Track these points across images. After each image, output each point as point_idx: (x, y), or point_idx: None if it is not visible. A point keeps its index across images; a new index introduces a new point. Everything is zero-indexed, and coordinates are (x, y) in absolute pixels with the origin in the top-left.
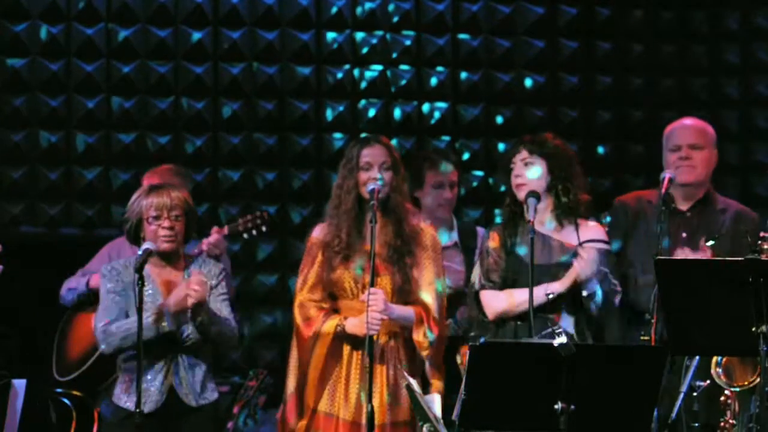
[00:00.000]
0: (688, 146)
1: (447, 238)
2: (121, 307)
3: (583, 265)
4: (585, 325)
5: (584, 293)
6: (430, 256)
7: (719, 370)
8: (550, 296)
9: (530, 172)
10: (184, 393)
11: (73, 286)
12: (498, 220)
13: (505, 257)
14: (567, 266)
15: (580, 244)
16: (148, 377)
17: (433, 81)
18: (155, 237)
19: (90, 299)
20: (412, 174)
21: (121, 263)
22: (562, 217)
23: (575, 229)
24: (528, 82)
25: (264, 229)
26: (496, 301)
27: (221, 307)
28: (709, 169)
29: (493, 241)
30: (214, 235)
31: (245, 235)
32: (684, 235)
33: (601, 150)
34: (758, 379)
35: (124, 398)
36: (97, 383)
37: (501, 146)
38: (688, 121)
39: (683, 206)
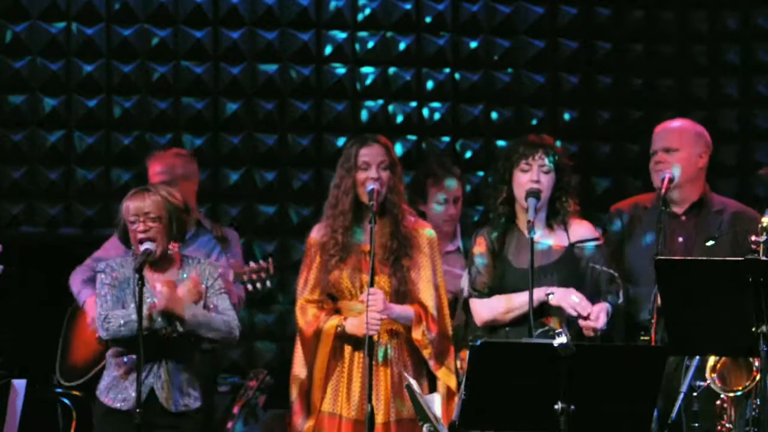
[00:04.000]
0: (662, 150)
1: (449, 243)
2: (119, 298)
3: (599, 324)
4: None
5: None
6: (427, 255)
7: (714, 375)
8: (550, 296)
9: (546, 180)
10: (164, 397)
11: (77, 289)
12: (492, 223)
13: (492, 262)
14: (555, 267)
15: (571, 244)
16: (131, 376)
17: (433, 81)
18: (134, 240)
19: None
20: (415, 188)
21: (118, 261)
22: (554, 221)
23: (565, 230)
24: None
25: (267, 284)
26: (484, 310)
27: (218, 302)
28: (690, 170)
29: (479, 247)
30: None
31: (249, 286)
32: (680, 239)
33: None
34: (752, 384)
35: (105, 394)
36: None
37: (501, 142)
38: (669, 123)
39: (678, 210)
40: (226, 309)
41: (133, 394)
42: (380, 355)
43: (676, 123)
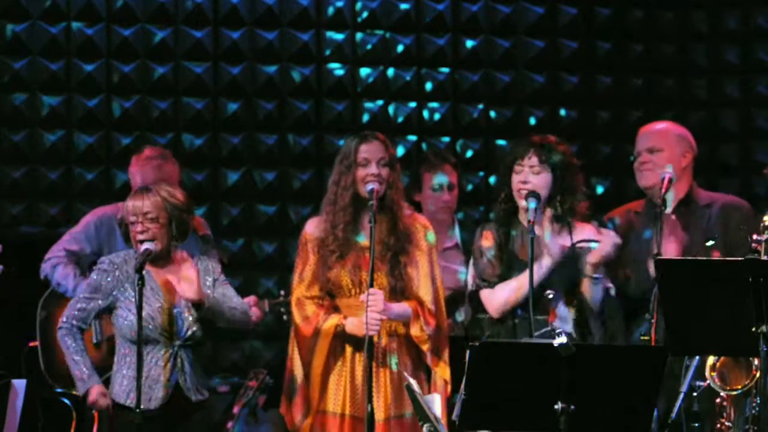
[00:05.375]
0: (645, 151)
1: (447, 239)
2: (91, 309)
3: (609, 243)
4: (586, 315)
5: (592, 276)
6: (424, 250)
7: (714, 374)
8: (550, 295)
9: (537, 180)
10: (188, 388)
11: (72, 285)
12: (491, 216)
13: (500, 254)
14: (558, 267)
15: (573, 244)
16: (151, 373)
17: (433, 82)
18: (134, 240)
19: None
20: (411, 177)
21: (121, 256)
22: (556, 222)
23: (568, 232)
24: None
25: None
26: (497, 296)
27: (225, 291)
28: (675, 170)
29: (487, 240)
30: (254, 310)
31: (285, 317)
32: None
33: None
34: (752, 383)
35: (123, 396)
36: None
37: (501, 142)
38: (652, 125)
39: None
40: (234, 295)
41: (160, 394)
42: (393, 363)
43: (659, 125)
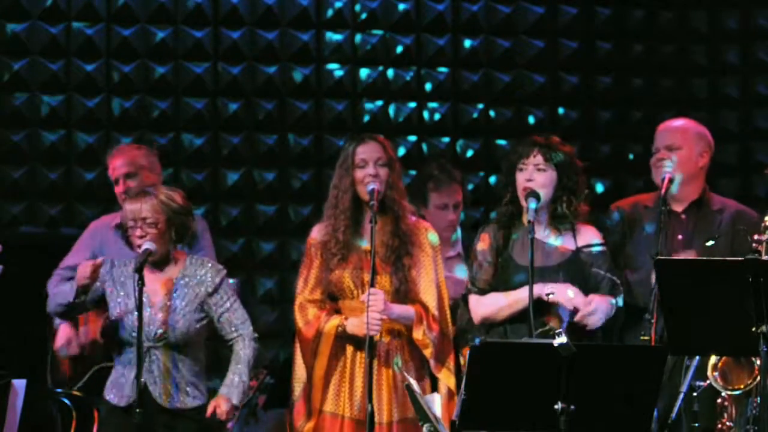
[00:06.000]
0: (664, 148)
1: (450, 248)
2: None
3: (593, 319)
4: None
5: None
6: (428, 254)
7: (715, 374)
8: (550, 296)
9: (542, 178)
10: (157, 393)
11: (61, 300)
12: (493, 216)
13: (495, 259)
14: (561, 269)
15: (578, 248)
16: (125, 371)
17: (432, 82)
18: (134, 245)
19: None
20: (416, 191)
21: (123, 259)
22: (559, 223)
23: (572, 234)
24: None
25: None
26: (480, 307)
27: (232, 318)
28: (691, 169)
29: (483, 243)
30: None
31: None
32: (680, 237)
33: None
34: (754, 383)
35: (108, 392)
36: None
37: (501, 142)
38: (672, 122)
39: (678, 208)
40: (241, 325)
41: (126, 391)
42: (395, 364)
43: (679, 122)
